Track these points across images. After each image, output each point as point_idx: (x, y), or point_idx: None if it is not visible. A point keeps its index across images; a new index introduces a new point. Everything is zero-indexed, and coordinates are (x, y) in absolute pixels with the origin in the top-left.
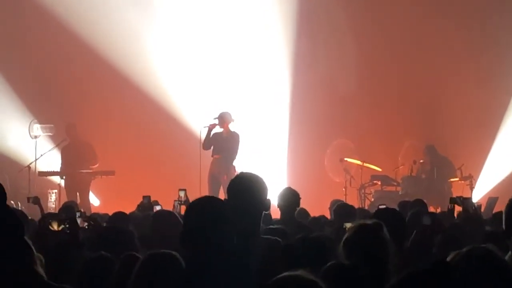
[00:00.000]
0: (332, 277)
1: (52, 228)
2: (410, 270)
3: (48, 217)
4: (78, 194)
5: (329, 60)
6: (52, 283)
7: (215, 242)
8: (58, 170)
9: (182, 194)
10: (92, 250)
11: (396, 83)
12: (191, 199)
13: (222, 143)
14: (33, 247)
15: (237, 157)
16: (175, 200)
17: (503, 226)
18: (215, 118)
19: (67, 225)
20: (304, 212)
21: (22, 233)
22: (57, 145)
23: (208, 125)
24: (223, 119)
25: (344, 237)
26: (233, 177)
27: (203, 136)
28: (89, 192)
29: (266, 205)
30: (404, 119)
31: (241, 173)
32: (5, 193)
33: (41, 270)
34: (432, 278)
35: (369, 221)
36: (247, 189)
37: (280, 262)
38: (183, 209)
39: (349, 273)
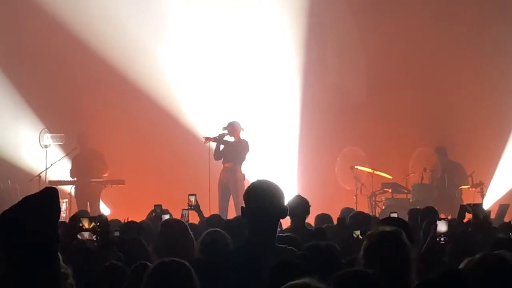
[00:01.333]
0: (349, 285)
1: (82, 226)
2: (423, 279)
3: (78, 216)
4: (88, 203)
5: (339, 68)
6: None
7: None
8: (68, 179)
9: (192, 198)
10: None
11: (406, 91)
12: (201, 205)
13: (233, 152)
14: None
15: (244, 162)
16: (183, 209)
17: None
18: (224, 128)
19: (98, 223)
20: (327, 218)
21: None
22: (68, 154)
23: (217, 135)
24: (233, 128)
25: (365, 244)
26: (240, 180)
27: (212, 145)
28: (99, 201)
29: (284, 211)
30: (415, 126)
31: (259, 180)
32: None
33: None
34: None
35: (388, 228)
36: (264, 195)
37: (294, 272)
38: (191, 215)
39: (367, 280)
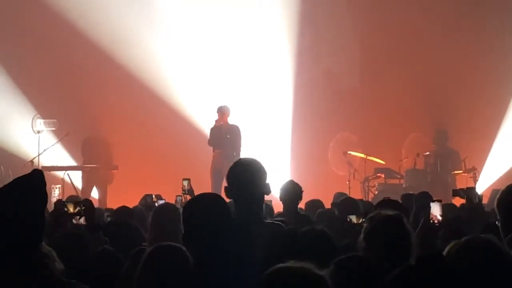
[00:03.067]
0: (348, 269)
1: (68, 211)
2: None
3: (63, 200)
4: (96, 189)
5: (332, 54)
6: (67, 280)
7: (217, 238)
8: (63, 164)
9: (185, 183)
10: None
11: (399, 76)
12: (194, 189)
13: (223, 137)
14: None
15: (240, 149)
16: (177, 196)
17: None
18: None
19: (83, 207)
20: (317, 203)
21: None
22: (60, 139)
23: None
24: (222, 112)
25: (367, 228)
26: None
27: (206, 131)
28: (106, 187)
29: (267, 188)
30: (407, 112)
31: (240, 159)
32: (46, 195)
33: (55, 266)
34: (427, 269)
35: (390, 212)
36: (247, 173)
37: (284, 246)
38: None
39: (367, 266)
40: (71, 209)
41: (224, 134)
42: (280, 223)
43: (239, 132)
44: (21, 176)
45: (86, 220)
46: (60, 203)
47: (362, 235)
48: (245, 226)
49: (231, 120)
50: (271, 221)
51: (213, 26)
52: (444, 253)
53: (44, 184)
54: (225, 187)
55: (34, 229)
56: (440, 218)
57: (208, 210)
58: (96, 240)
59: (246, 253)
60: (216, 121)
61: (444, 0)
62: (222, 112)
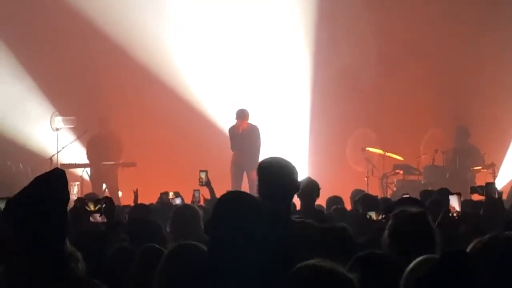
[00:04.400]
0: (367, 266)
1: (88, 209)
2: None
3: (85, 197)
4: (105, 186)
5: (350, 52)
6: (91, 280)
7: (246, 236)
8: (82, 162)
9: (203, 175)
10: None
11: (417, 72)
12: (212, 181)
13: (242, 138)
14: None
15: (260, 148)
16: (194, 190)
17: None
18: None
19: (104, 205)
20: (337, 200)
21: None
22: (78, 137)
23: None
24: (241, 117)
25: (391, 225)
26: (256, 163)
27: (220, 125)
28: (117, 183)
29: (296, 187)
30: (426, 108)
31: (271, 157)
32: (68, 194)
33: (78, 267)
34: (450, 268)
35: (414, 209)
36: (277, 171)
37: (314, 246)
38: (202, 199)
39: (388, 262)
40: (92, 207)
41: (246, 139)
42: (304, 220)
43: (258, 132)
44: (43, 175)
45: (106, 218)
46: (80, 201)
47: (386, 232)
48: (273, 221)
49: (250, 120)
50: (301, 219)
51: (229, 23)
52: (468, 250)
53: (66, 182)
54: (258, 185)
55: (58, 228)
56: (458, 210)
57: (243, 209)
58: (116, 238)
59: (271, 249)
60: (236, 127)
61: None
62: (242, 117)
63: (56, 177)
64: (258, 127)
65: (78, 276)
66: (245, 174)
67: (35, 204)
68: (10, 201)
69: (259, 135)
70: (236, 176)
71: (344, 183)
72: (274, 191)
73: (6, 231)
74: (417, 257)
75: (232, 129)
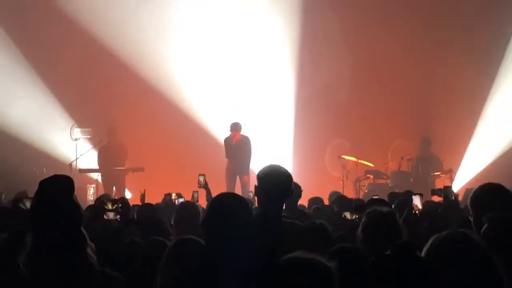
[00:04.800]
0: (340, 258)
1: (106, 207)
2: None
3: (103, 198)
4: (114, 188)
5: (328, 71)
6: (100, 268)
7: (236, 233)
8: (95, 167)
9: (201, 178)
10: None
11: (387, 89)
12: (209, 185)
13: (236, 148)
14: (86, 236)
15: (251, 157)
16: (193, 191)
17: (471, 212)
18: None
19: (120, 204)
20: (318, 200)
21: (81, 225)
22: (94, 146)
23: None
24: (235, 129)
25: (364, 222)
26: (248, 169)
27: (217, 135)
28: (124, 186)
29: (290, 192)
30: (393, 120)
31: (269, 166)
32: (73, 187)
33: (93, 257)
34: (400, 258)
35: (384, 209)
36: (274, 180)
37: (299, 242)
38: (201, 197)
39: (359, 255)
40: (110, 206)
41: (239, 148)
42: (293, 221)
43: (250, 143)
44: (49, 177)
45: (122, 215)
46: (100, 201)
47: (360, 228)
48: (266, 222)
49: (242, 131)
50: (291, 220)
51: (224, 45)
52: (428, 245)
53: (72, 183)
54: (255, 186)
55: (71, 217)
56: (420, 208)
57: (232, 207)
58: (131, 233)
59: (259, 245)
60: (230, 138)
61: (428, 17)
62: (236, 129)
63: (61, 179)
64: (250, 137)
65: (91, 265)
66: (238, 178)
67: (50, 204)
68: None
69: (251, 144)
70: (230, 180)
71: (323, 186)
72: (270, 198)
73: (34, 222)
74: (385, 249)
75: (227, 140)
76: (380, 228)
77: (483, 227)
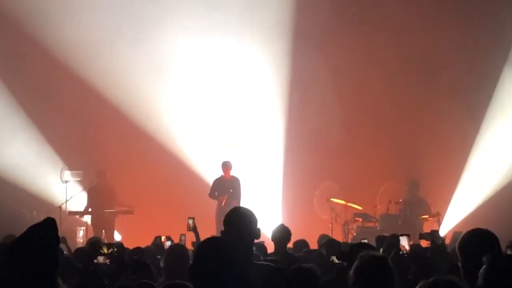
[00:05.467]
0: None
1: (102, 251)
2: None
3: (98, 242)
4: (104, 230)
5: (317, 114)
6: None
7: (223, 278)
8: (84, 209)
9: (190, 221)
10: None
11: (375, 134)
12: (198, 228)
13: (224, 186)
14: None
15: (241, 197)
16: (181, 234)
17: (459, 255)
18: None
19: (115, 249)
20: (303, 243)
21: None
22: (84, 188)
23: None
24: (226, 167)
25: (357, 265)
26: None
27: (207, 179)
28: (114, 228)
29: (256, 233)
30: (382, 164)
31: (235, 207)
32: (58, 240)
33: None
34: None
35: (377, 253)
36: (239, 220)
37: (272, 284)
38: (188, 241)
39: None
40: (105, 250)
41: (228, 188)
42: (270, 263)
43: (239, 183)
44: (36, 224)
45: (118, 259)
46: (95, 245)
47: (352, 270)
48: (240, 266)
49: (232, 172)
50: (261, 262)
51: (216, 90)
52: None
53: (56, 228)
54: (221, 231)
55: (50, 265)
56: (408, 248)
57: (213, 253)
58: (126, 277)
59: None
60: (220, 177)
61: (415, 61)
62: (226, 167)
63: (48, 225)
64: (239, 179)
65: None
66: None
67: (31, 247)
68: (10, 245)
69: (240, 185)
70: (220, 223)
71: (312, 229)
72: (237, 241)
73: (7, 270)
74: None
75: (218, 179)
76: (373, 272)
77: (482, 268)
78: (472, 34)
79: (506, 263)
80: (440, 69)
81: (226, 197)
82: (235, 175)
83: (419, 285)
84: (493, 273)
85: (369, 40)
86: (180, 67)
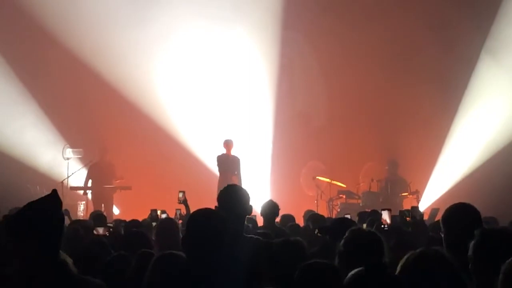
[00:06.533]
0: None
1: (96, 233)
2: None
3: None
4: (103, 205)
5: (305, 98)
6: (84, 277)
7: (213, 248)
8: (83, 184)
9: (180, 195)
10: (114, 250)
11: (357, 116)
12: (189, 201)
13: (228, 163)
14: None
15: (241, 174)
16: (176, 209)
17: (443, 229)
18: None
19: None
20: (289, 217)
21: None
22: (85, 165)
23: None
24: (228, 144)
25: (347, 238)
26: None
27: (200, 156)
28: (112, 203)
29: (248, 209)
30: (365, 144)
31: (228, 185)
32: (61, 201)
33: (73, 267)
34: (372, 278)
35: (367, 229)
36: (233, 197)
37: (261, 256)
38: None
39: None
40: (101, 232)
41: (231, 164)
42: (259, 237)
43: (239, 162)
44: (43, 197)
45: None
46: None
47: (342, 243)
48: (232, 239)
49: (234, 152)
50: (251, 236)
51: (211, 77)
52: (402, 261)
53: (60, 202)
54: (215, 207)
55: (53, 236)
56: (389, 222)
57: (203, 223)
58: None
59: (229, 262)
60: (224, 154)
61: (397, 48)
62: (228, 144)
63: (52, 197)
64: (239, 157)
65: (73, 273)
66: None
67: (36, 218)
68: (12, 217)
69: (240, 163)
70: None
71: (298, 205)
72: (230, 216)
73: (8, 240)
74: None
75: (222, 156)
76: (363, 244)
77: (473, 241)
78: (447, 18)
79: (496, 236)
80: (417, 52)
81: (233, 178)
82: (236, 154)
83: (406, 255)
84: (483, 245)
85: (352, 27)
86: (175, 50)
